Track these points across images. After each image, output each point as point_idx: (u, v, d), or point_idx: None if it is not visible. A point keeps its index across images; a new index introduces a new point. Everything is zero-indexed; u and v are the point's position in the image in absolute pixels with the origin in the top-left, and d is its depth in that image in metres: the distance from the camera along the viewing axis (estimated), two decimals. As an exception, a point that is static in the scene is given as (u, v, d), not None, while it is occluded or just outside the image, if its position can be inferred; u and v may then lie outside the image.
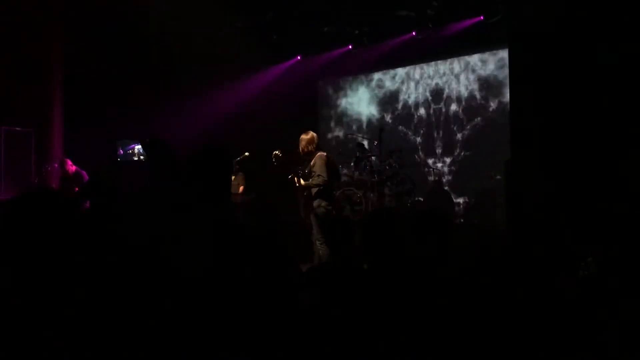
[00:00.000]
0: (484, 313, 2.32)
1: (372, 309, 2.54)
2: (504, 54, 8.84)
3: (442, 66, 10.09)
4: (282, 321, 1.95)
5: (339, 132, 11.51)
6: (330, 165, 5.97)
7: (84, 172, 7.97)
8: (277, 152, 7.24)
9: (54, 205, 1.72)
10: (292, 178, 6.17)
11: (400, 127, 10.54)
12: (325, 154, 6.02)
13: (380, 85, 11.00)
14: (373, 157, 8.68)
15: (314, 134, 6.08)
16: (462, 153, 9.80)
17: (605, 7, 2.42)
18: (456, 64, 9.97)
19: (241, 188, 8.60)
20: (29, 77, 8.90)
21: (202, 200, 2.01)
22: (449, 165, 9.97)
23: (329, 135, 11.63)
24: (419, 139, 10.30)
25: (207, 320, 1.82)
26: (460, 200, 9.56)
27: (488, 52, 9.42)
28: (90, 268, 1.90)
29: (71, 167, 8.01)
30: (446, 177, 9.95)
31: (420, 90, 10.38)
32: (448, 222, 2.77)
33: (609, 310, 2.05)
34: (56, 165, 8.50)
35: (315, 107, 11.70)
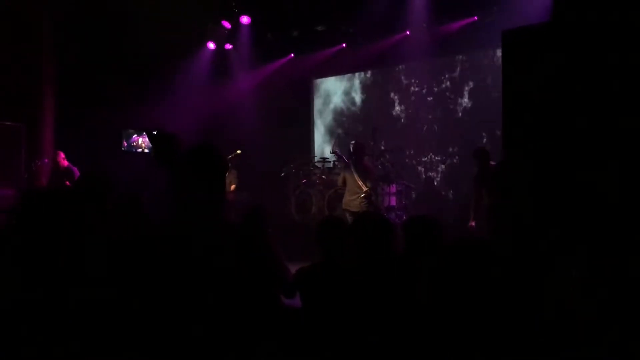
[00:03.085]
0: (471, 313, 2.32)
1: (357, 308, 2.53)
2: (497, 53, 8.88)
3: (436, 65, 10.09)
4: (267, 321, 1.94)
5: (333, 131, 11.50)
6: None
7: (75, 169, 7.89)
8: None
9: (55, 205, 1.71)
10: None
11: (394, 125, 10.53)
12: None
13: (374, 84, 10.99)
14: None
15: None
16: (455, 152, 9.81)
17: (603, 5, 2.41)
18: (450, 63, 9.98)
19: (233, 186, 8.57)
20: (19, 71, 8.82)
21: (196, 198, 1.98)
22: (442, 165, 9.98)
23: (320, 133, 11.63)
24: (412, 138, 10.30)
25: (192, 318, 1.81)
26: (452, 199, 9.58)
27: (482, 51, 9.43)
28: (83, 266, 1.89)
29: (63, 162, 7.90)
30: (439, 175, 9.96)
31: (414, 88, 10.38)
32: (438, 226, 2.77)
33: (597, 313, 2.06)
34: (47, 160, 8.41)
35: (308, 105, 11.68)
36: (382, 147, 9.02)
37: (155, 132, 2.14)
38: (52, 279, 1.92)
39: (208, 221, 1.93)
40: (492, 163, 6.19)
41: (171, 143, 2.15)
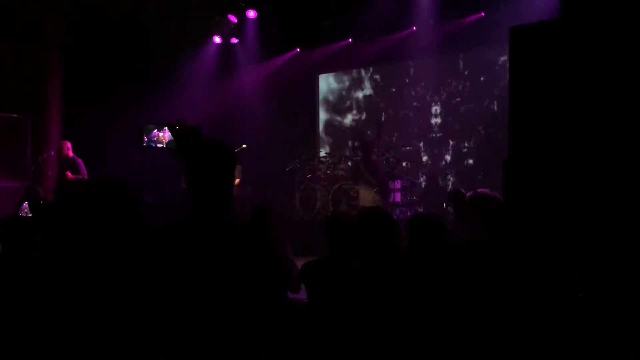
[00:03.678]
0: (473, 311, 2.32)
1: (362, 303, 2.54)
2: (504, 50, 8.84)
3: (442, 61, 10.04)
4: (272, 317, 1.94)
5: (338, 126, 11.48)
6: None
7: (79, 160, 7.86)
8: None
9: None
10: None
11: (399, 121, 10.51)
12: None
13: (379, 80, 10.97)
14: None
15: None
16: (461, 149, 9.79)
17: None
18: (456, 59, 9.94)
19: (237, 180, 8.58)
20: (26, 64, 8.84)
21: (205, 193, 1.98)
22: (447, 161, 9.97)
23: (325, 129, 11.63)
24: (417, 133, 10.28)
25: (197, 315, 1.81)
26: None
27: (489, 48, 9.39)
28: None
29: (68, 152, 7.83)
30: (443, 172, 9.95)
31: (420, 84, 10.35)
32: (441, 225, 2.77)
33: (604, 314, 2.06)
34: (53, 153, 8.42)
35: (313, 100, 11.67)
36: (387, 143, 9.00)
37: (177, 127, 2.11)
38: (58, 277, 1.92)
39: (216, 216, 1.93)
40: (469, 194, 5.95)
41: (194, 135, 2.13)
